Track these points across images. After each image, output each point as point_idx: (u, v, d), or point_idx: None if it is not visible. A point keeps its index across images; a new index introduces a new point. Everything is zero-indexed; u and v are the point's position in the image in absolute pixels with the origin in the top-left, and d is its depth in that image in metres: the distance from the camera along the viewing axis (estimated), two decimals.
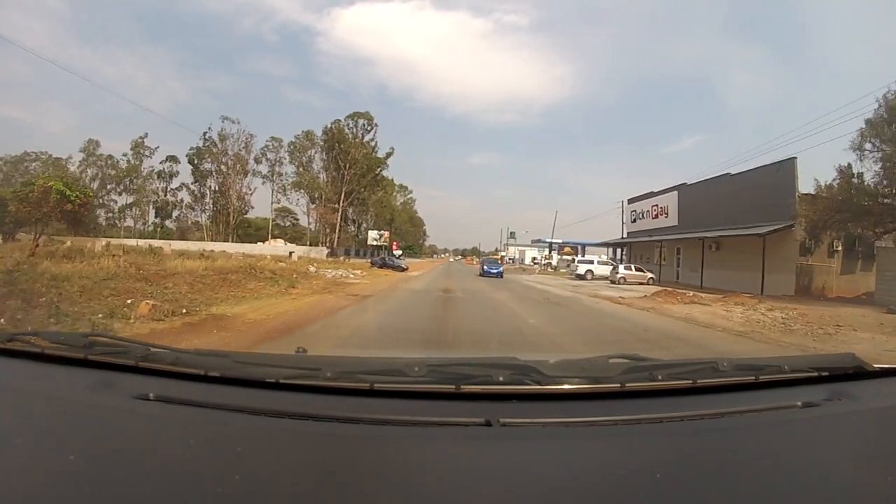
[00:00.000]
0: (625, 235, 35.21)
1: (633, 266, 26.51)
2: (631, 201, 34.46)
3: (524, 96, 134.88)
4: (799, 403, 1.06)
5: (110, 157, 59.69)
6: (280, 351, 3.56)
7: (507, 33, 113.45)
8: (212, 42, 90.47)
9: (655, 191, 30.88)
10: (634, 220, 33.35)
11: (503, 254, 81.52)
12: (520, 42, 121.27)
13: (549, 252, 55.90)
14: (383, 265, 32.47)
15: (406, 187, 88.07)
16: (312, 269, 19.16)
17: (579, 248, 47.98)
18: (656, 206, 30.09)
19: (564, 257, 48.16)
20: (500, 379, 1.03)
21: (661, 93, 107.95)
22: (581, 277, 28.45)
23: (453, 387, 1.00)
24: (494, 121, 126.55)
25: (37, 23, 76.63)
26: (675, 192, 27.99)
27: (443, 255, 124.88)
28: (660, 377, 1.10)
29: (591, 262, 31.07)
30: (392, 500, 0.68)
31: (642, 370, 1.14)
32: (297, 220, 64.75)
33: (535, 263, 66.72)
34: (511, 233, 76.08)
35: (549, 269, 45.53)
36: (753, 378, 1.16)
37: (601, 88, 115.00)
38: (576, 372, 1.16)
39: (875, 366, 1.25)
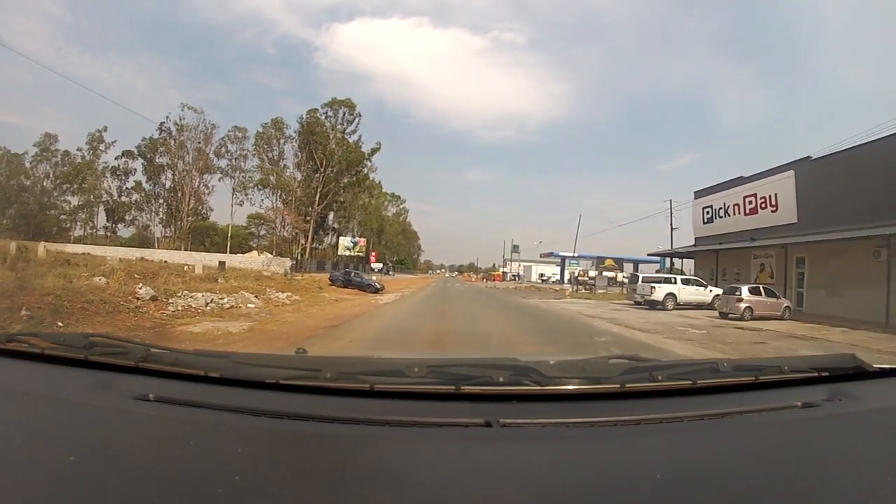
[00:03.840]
0: (679, 244, 25.47)
1: (761, 288, 15.47)
2: (700, 194, 24.79)
3: (520, 113, 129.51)
4: (799, 404, 1.07)
5: (66, 152, 52.61)
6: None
7: (505, 51, 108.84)
8: (211, 53, 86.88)
9: (746, 175, 21.24)
10: (710, 220, 23.55)
11: (504, 270, 72.00)
12: (517, 60, 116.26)
13: (564, 268, 45.84)
14: (347, 283, 22.64)
15: (399, 196, 79.24)
16: (143, 292, 9.07)
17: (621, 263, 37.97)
18: (753, 196, 20.37)
19: (605, 273, 37.63)
20: (500, 380, 1.03)
21: (656, 111, 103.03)
22: (655, 306, 17.95)
23: (453, 387, 1.00)
24: (491, 137, 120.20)
25: (36, 27, 73.11)
26: (790, 174, 18.40)
27: (438, 271, 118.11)
28: (660, 378, 1.10)
29: (671, 280, 19.53)
30: (392, 501, 0.69)
31: (642, 371, 1.14)
32: (274, 228, 55.27)
33: (543, 281, 56.72)
34: (514, 246, 66.62)
35: (584, 290, 33.73)
36: (753, 378, 1.16)
37: (597, 106, 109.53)
38: (576, 372, 1.17)
39: (875, 366, 1.25)
